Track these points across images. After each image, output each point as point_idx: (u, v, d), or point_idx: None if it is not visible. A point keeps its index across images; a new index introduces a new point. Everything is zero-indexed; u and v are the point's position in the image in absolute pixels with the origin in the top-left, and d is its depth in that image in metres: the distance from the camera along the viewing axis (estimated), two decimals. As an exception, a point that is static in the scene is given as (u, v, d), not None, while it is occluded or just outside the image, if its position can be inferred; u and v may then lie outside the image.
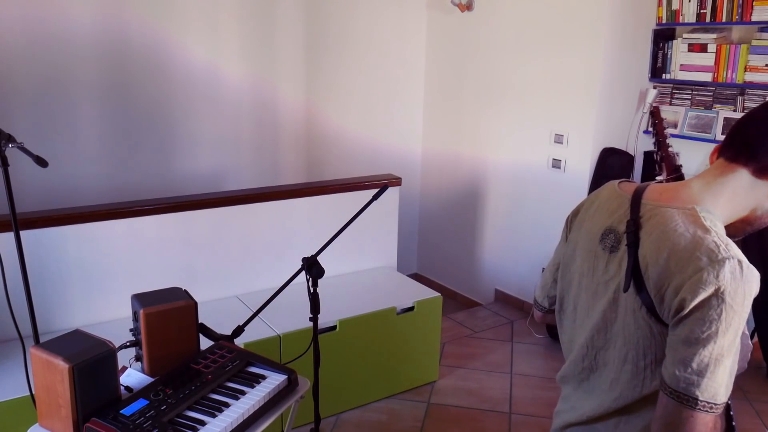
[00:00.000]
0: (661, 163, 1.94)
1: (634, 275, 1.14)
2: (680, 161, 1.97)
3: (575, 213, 1.39)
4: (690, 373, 1.06)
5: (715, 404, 1.07)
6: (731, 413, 1.31)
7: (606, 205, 1.29)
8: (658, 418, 1.11)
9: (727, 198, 1.16)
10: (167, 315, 1.78)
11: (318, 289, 2.14)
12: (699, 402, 1.06)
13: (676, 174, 1.73)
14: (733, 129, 1.19)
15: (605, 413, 1.24)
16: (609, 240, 1.23)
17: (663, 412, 1.10)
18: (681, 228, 1.11)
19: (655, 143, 2.02)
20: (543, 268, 1.51)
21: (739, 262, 1.07)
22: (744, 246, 3.94)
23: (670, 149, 1.94)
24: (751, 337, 3.60)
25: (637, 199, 1.21)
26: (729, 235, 1.18)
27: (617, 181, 1.34)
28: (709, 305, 1.05)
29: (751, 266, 1.08)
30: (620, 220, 1.22)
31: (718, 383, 1.06)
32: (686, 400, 1.06)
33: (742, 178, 1.15)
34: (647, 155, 3.77)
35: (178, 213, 2.97)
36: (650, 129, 2.07)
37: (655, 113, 2.04)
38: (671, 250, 1.10)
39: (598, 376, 1.26)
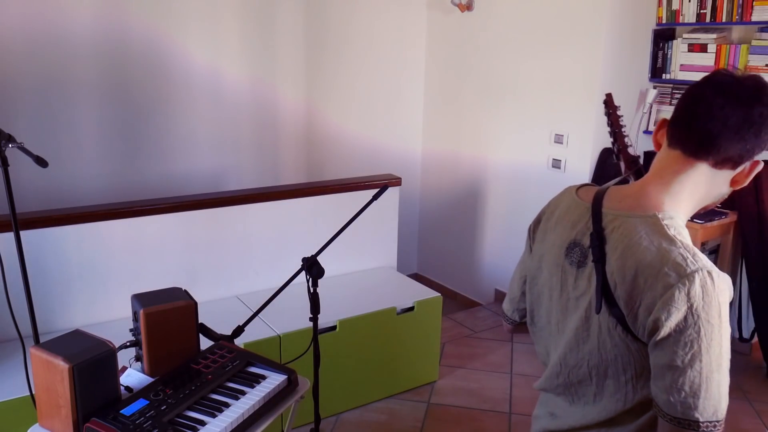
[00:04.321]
0: (618, 155, 1.81)
1: (605, 293, 1.10)
2: (637, 152, 1.83)
3: (537, 222, 1.34)
4: (684, 397, 1.03)
5: (718, 421, 1.04)
6: None
7: (567, 215, 1.24)
8: None
9: (688, 195, 1.13)
10: (167, 315, 1.78)
11: (318, 289, 2.14)
12: (701, 424, 1.03)
13: (635, 167, 1.64)
14: (688, 117, 1.11)
15: (589, 424, 1.21)
16: (575, 255, 1.18)
17: None
18: (645, 241, 1.07)
19: (610, 133, 1.87)
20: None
21: (709, 273, 1.03)
22: (744, 245, 3.95)
23: (626, 139, 1.82)
24: (751, 337, 3.59)
25: (597, 208, 1.16)
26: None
27: (575, 186, 1.28)
28: (686, 325, 1.02)
29: (721, 273, 1.05)
30: (583, 232, 1.17)
31: (716, 399, 1.04)
32: (688, 425, 1.04)
33: (701, 171, 1.11)
34: (647, 155, 3.76)
35: (178, 213, 2.97)
36: (606, 118, 1.89)
37: (608, 102, 1.88)
38: (638, 266, 1.06)
39: (575, 390, 1.23)
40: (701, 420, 1.03)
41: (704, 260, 1.05)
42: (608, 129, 1.89)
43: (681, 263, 1.03)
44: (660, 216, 1.10)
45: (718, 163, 1.10)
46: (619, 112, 1.86)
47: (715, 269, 1.05)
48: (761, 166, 1.14)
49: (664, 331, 1.03)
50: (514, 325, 1.46)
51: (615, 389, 1.15)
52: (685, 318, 1.02)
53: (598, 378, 1.17)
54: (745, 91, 1.07)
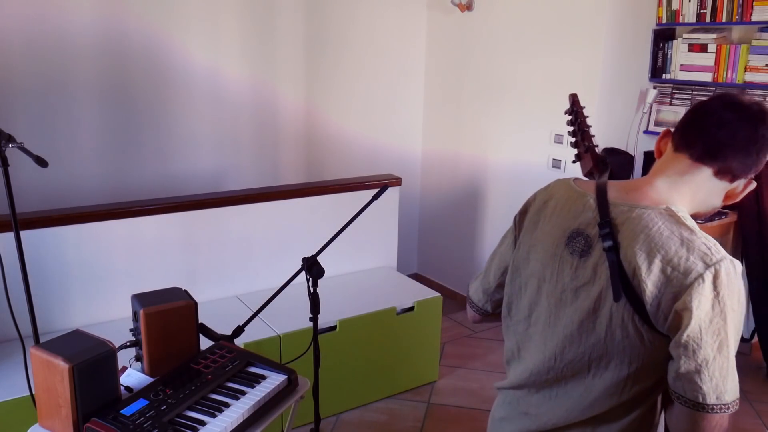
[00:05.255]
0: (585, 153, 1.77)
1: (621, 282, 1.11)
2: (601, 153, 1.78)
3: (523, 212, 1.33)
4: (716, 384, 1.08)
5: (738, 397, 1.10)
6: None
7: (566, 205, 1.24)
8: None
9: (690, 196, 1.18)
10: (167, 315, 1.78)
11: (318, 289, 2.14)
12: (730, 405, 1.09)
13: (604, 167, 1.57)
14: (699, 125, 1.17)
15: (575, 421, 1.20)
16: (578, 243, 1.18)
17: (692, 426, 1.11)
18: (666, 231, 1.10)
19: (575, 133, 1.81)
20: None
21: (731, 261, 1.09)
22: (744, 244, 3.95)
23: (593, 138, 1.79)
24: (751, 337, 3.59)
25: (603, 199, 1.18)
26: None
27: (571, 178, 1.30)
28: (713, 314, 1.06)
29: (735, 259, 1.10)
30: (588, 222, 1.18)
31: (736, 379, 1.10)
32: (720, 408, 1.08)
33: (703, 176, 1.17)
34: (647, 155, 3.76)
35: (178, 213, 2.97)
36: (568, 116, 1.83)
37: (575, 101, 1.84)
38: (663, 255, 1.08)
39: (563, 384, 1.21)
40: (730, 401, 1.09)
41: (723, 249, 1.10)
42: (572, 128, 1.85)
43: (706, 252, 1.08)
44: (674, 208, 1.14)
45: (720, 172, 1.16)
46: (585, 112, 1.86)
47: (731, 257, 1.10)
48: (754, 185, 1.20)
49: (694, 321, 1.06)
50: (483, 315, 1.42)
51: (611, 383, 1.15)
52: (713, 306, 1.06)
53: (597, 370, 1.16)
54: (751, 111, 1.14)
